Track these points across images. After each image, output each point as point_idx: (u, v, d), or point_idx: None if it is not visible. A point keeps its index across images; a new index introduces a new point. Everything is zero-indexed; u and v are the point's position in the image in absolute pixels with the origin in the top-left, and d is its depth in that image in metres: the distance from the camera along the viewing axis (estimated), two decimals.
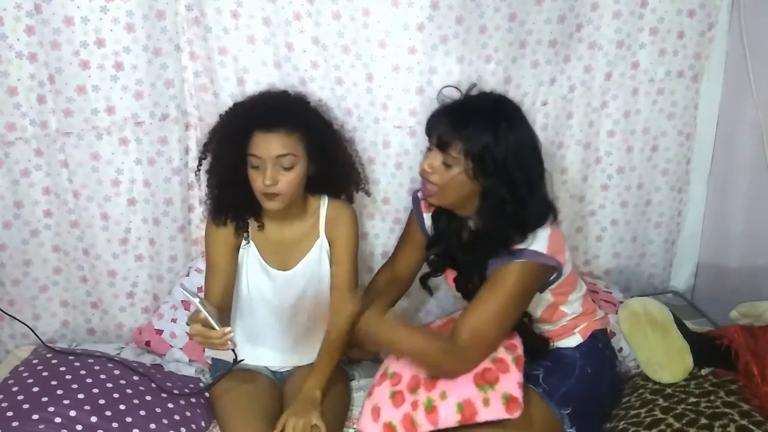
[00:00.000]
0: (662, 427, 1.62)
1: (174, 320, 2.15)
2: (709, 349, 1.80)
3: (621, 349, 2.03)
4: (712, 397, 1.67)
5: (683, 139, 2.29)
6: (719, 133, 2.29)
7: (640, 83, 2.20)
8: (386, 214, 2.23)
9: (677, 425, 1.60)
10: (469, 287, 1.70)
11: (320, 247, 1.90)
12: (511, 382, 1.60)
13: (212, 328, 1.56)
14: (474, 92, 1.76)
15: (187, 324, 1.60)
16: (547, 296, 1.70)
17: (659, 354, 1.79)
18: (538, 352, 1.71)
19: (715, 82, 2.23)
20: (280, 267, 1.90)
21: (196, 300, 1.57)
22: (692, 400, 1.68)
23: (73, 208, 2.08)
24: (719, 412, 1.60)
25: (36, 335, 2.07)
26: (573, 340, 1.76)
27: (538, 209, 1.62)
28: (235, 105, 1.88)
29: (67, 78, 1.95)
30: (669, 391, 1.75)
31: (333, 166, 1.87)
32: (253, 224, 1.88)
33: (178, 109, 2.07)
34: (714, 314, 2.23)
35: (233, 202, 1.83)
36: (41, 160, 2.02)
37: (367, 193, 2.04)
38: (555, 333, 1.75)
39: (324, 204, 1.91)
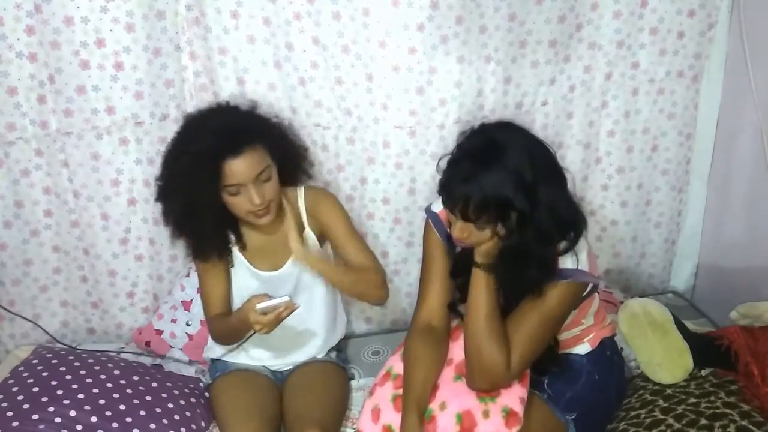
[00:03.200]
0: (662, 427, 1.61)
1: (174, 320, 2.15)
2: (709, 350, 1.80)
3: (621, 350, 2.03)
4: (712, 398, 1.67)
5: (683, 139, 2.29)
6: (719, 133, 2.28)
7: (640, 83, 2.20)
8: (386, 214, 2.23)
9: (677, 426, 1.60)
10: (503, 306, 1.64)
11: (306, 238, 1.90)
12: (513, 396, 1.59)
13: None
14: (468, 131, 1.60)
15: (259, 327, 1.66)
16: (573, 312, 1.67)
17: (659, 355, 1.79)
18: (544, 368, 1.69)
19: (715, 82, 2.23)
20: (269, 268, 1.90)
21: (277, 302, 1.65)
22: (692, 400, 1.68)
23: (73, 208, 2.08)
24: (719, 413, 1.60)
25: (41, 328, 2.07)
26: (582, 349, 1.74)
27: (571, 231, 1.57)
28: (183, 144, 1.76)
29: (67, 78, 1.95)
30: (669, 391, 1.75)
31: (289, 154, 1.88)
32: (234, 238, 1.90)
33: (178, 109, 2.07)
34: (714, 314, 2.23)
35: (215, 240, 1.84)
36: (41, 160, 2.02)
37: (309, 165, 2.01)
38: (564, 343, 1.73)
39: (301, 196, 1.92)
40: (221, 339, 1.91)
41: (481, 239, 1.55)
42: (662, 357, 1.79)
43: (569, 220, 1.56)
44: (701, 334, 1.90)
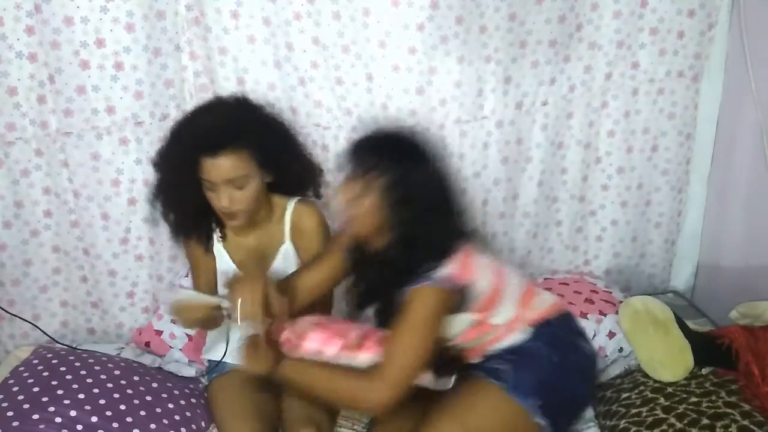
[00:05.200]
0: (664, 426, 1.62)
1: (174, 321, 2.15)
2: (709, 349, 1.80)
3: (621, 349, 2.03)
4: (714, 397, 1.67)
5: (683, 139, 2.29)
6: (719, 133, 2.29)
7: (640, 83, 2.20)
8: None
9: (679, 425, 1.60)
10: (387, 317, 1.68)
11: (285, 252, 1.89)
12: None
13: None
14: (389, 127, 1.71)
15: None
16: (469, 316, 1.68)
17: (660, 353, 1.79)
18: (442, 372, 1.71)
19: (715, 82, 2.23)
20: None
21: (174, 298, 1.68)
22: (693, 399, 1.68)
23: (73, 208, 2.08)
24: (721, 412, 1.60)
25: (40, 329, 2.07)
26: (517, 337, 1.71)
27: (444, 241, 1.62)
28: (179, 126, 1.81)
29: (67, 78, 1.95)
30: (670, 390, 1.74)
31: (289, 169, 1.85)
32: (220, 232, 1.91)
33: (178, 109, 2.07)
34: (714, 314, 2.23)
35: (191, 221, 1.86)
36: (41, 160, 2.02)
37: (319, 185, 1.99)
38: (488, 342, 1.72)
39: (290, 209, 1.89)
40: None
41: (359, 210, 1.59)
42: (663, 355, 1.79)
43: (438, 237, 1.61)
44: (702, 332, 1.90)
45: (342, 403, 1.67)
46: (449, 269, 1.60)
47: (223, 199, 1.73)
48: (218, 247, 1.91)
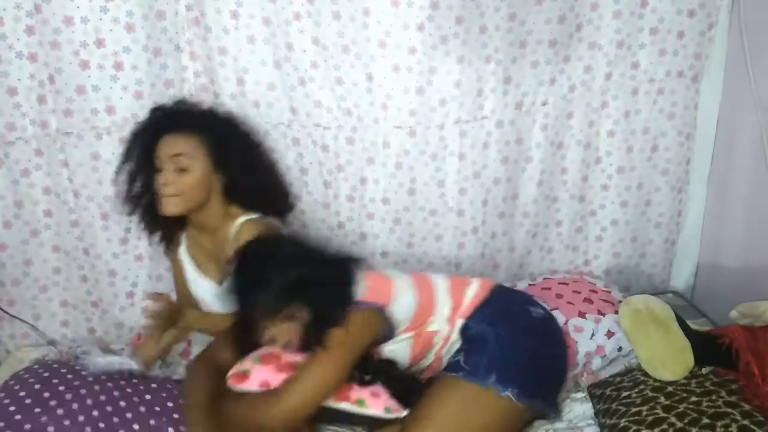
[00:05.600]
0: (664, 426, 1.61)
1: None
2: (709, 348, 1.80)
3: (620, 348, 2.03)
4: (714, 397, 1.66)
5: (683, 139, 2.28)
6: (719, 133, 2.28)
7: (640, 83, 2.20)
8: (386, 214, 2.23)
9: (680, 424, 1.59)
10: None
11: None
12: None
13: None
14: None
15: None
16: (405, 336, 1.71)
17: (660, 352, 1.79)
18: (409, 396, 1.72)
19: (715, 82, 2.23)
20: (214, 279, 1.92)
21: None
22: (694, 399, 1.67)
23: (73, 207, 2.08)
24: (721, 412, 1.60)
25: (38, 331, 2.07)
26: (459, 327, 1.75)
27: (342, 285, 1.68)
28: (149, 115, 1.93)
29: (67, 78, 1.95)
30: (670, 389, 1.74)
31: (245, 177, 1.87)
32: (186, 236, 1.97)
33: None
34: (714, 314, 2.23)
35: (150, 211, 1.90)
36: (41, 160, 2.02)
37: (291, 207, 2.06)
38: (440, 348, 1.75)
39: (237, 225, 1.88)
40: None
41: (291, 335, 1.66)
42: (664, 354, 1.79)
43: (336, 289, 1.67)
44: (702, 332, 1.90)
45: (248, 420, 1.66)
46: (361, 292, 1.67)
47: (161, 177, 1.78)
48: (183, 250, 1.97)
